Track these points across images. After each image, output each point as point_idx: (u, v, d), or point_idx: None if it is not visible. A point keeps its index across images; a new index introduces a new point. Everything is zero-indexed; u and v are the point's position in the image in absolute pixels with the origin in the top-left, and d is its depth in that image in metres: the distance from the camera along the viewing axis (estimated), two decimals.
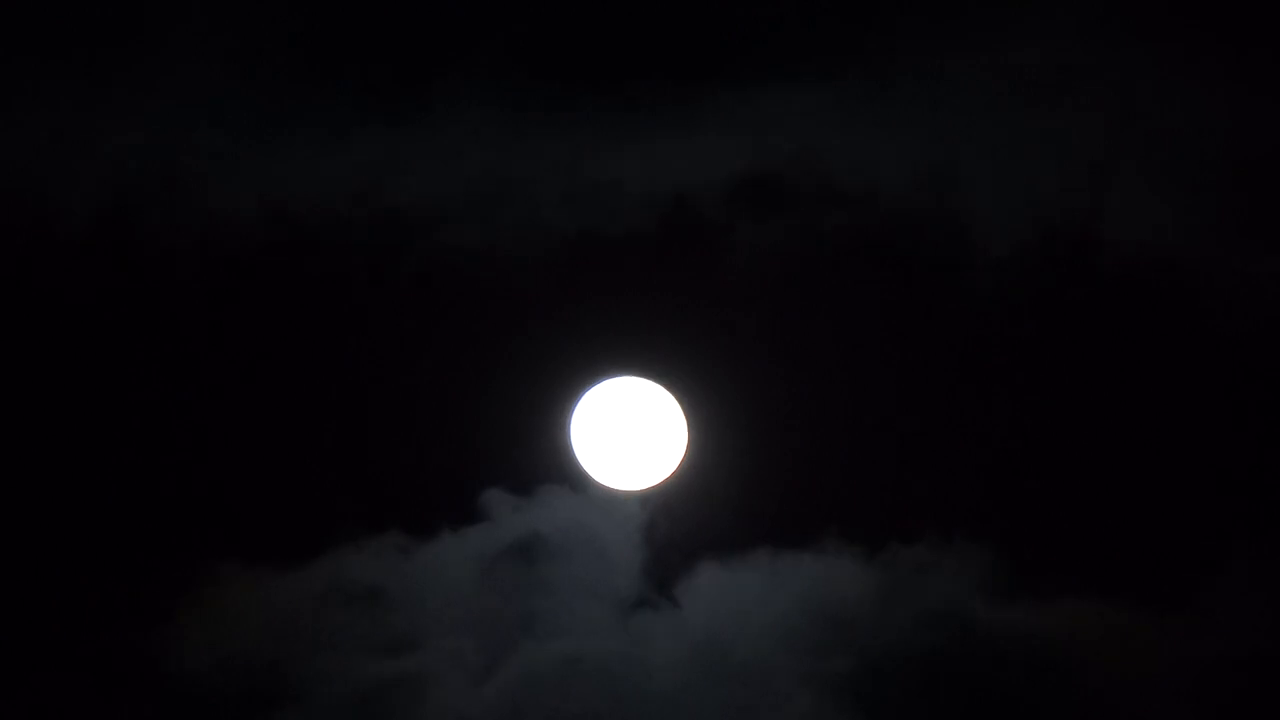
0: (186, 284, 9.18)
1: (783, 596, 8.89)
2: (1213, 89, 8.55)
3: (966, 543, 8.73)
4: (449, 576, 9.02)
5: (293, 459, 8.60)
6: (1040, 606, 8.68)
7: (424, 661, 8.90)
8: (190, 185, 8.89)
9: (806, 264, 8.38)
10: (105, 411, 9.22)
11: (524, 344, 8.97)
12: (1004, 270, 8.32)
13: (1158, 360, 8.44)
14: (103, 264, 9.12)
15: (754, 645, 8.77)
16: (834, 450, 8.81)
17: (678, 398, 9.65)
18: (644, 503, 9.34)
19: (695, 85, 7.87)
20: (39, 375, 9.35)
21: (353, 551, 8.92)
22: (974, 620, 8.79)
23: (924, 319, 8.50)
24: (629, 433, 9.81)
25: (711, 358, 8.87)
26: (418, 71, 8.77)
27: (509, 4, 8.73)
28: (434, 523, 8.89)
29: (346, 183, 8.83)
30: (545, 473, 9.07)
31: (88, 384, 9.31)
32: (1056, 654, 9.01)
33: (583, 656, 8.84)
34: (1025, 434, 8.64)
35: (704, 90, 7.79)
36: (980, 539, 8.61)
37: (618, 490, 9.49)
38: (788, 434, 8.93)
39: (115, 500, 8.68)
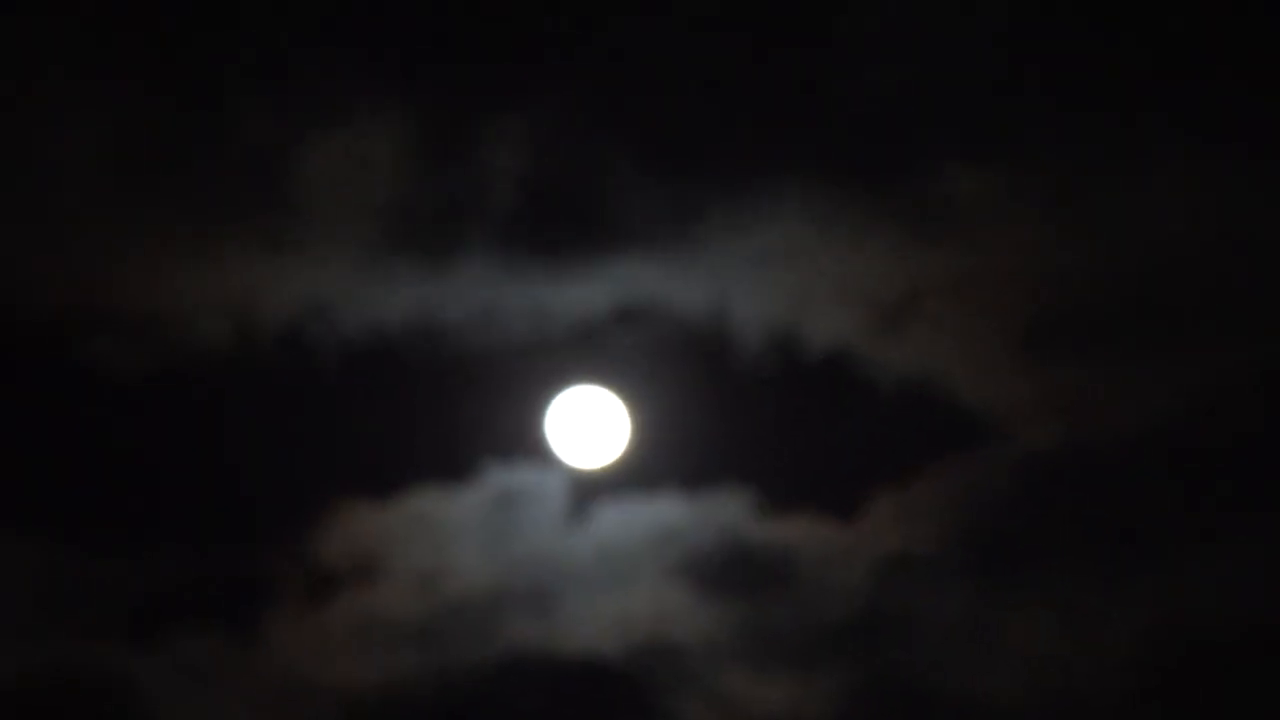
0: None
1: (645, 519, 15.00)
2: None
3: (741, 488, 14.60)
4: (464, 508, 15.10)
5: (392, 447, 14.61)
6: (779, 522, 14.67)
7: (457, 551, 15.02)
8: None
9: (655, 347, 15.07)
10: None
11: (526, 379, 15.60)
12: (755, 356, 15.29)
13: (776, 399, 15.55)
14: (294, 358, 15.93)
15: (627, 545, 14.90)
16: (679, 445, 14.89)
17: (634, 393, 15.56)
18: (576, 471, 15.28)
19: (587, 254, 14.30)
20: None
21: (419, 492, 15.02)
22: (745, 530, 14.78)
23: (714, 383, 15.16)
24: (599, 418, 15.74)
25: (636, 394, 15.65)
26: (448, 240, 15.39)
27: (500, 209, 15.57)
28: (455, 479, 15.00)
29: (398, 306, 15.50)
30: (526, 449, 15.31)
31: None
32: (790, 550, 14.80)
33: (534, 548, 15.04)
34: (771, 435, 15.38)
35: (592, 258, 14.29)
36: (747, 485, 14.76)
37: (578, 465, 15.50)
38: (658, 438, 14.97)
39: (300, 462, 15.10)
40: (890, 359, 15.64)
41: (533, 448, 15.90)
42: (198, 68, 14.92)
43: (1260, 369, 15.17)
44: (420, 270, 15.29)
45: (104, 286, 15.27)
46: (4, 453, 15.12)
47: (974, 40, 15.01)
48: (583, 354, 15.76)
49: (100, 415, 15.37)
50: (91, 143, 15.00)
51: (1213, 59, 14.87)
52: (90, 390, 15.32)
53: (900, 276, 15.52)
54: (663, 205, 15.25)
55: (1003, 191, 15.24)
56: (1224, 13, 14.85)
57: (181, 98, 14.99)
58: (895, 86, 15.16)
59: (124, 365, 15.36)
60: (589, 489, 15.92)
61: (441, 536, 15.74)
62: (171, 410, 15.46)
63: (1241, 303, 15.22)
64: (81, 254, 15.18)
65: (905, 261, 15.39)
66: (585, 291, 15.35)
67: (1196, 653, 15.02)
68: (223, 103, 15.05)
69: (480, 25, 15.02)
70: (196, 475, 15.48)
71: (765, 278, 15.46)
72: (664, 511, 15.91)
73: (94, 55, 14.88)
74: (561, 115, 15.30)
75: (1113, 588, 15.33)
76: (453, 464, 15.57)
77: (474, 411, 15.73)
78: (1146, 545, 15.36)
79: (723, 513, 15.67)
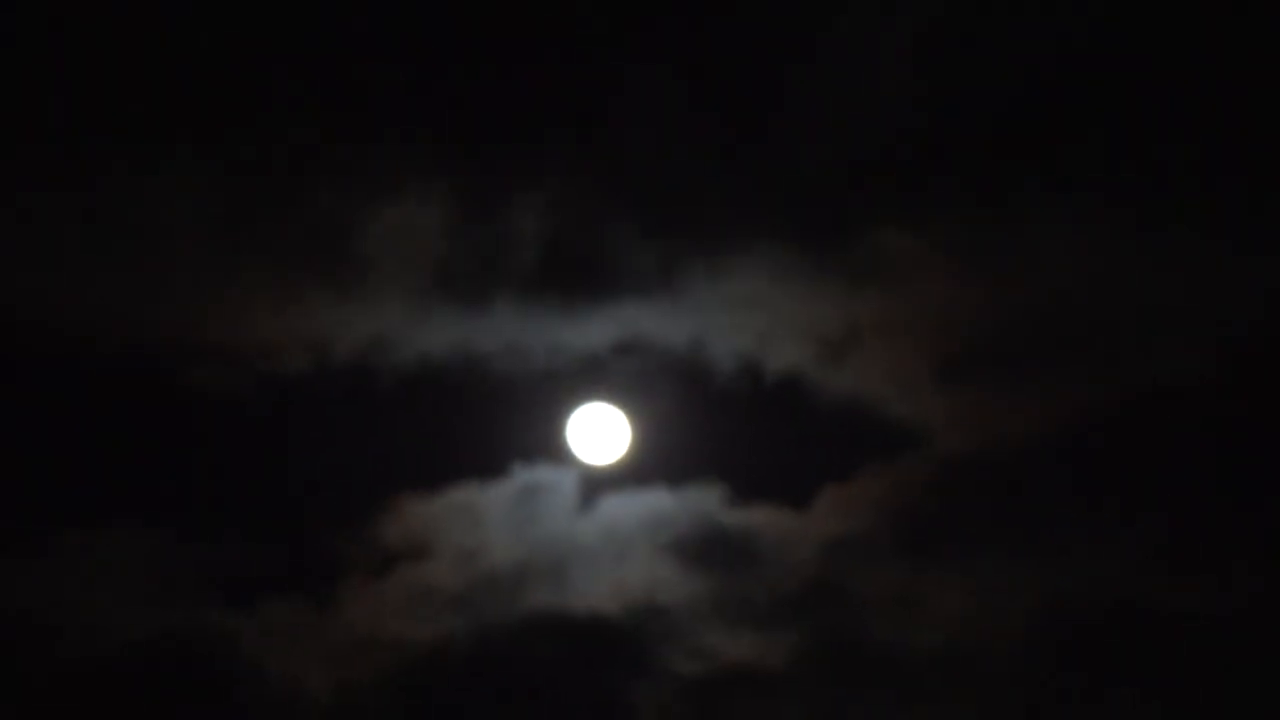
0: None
1: (639, 507, 16.63)
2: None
3: (715, 483, 16.30)
4: (497, 499, 16.77)
5: (439, 451, 16.29)
6: (745, 511, 16.33)
7: (490, 534, 16.59)
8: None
9: (648, 373, 16.03)
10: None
11: (545, 398, 16.78)
12: (727, 380, 16.09)
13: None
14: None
15: (625, 529, 16.45)
16: (667, 449, 16.54)
17: (635, 405, 17.17)
18: (586, 470, 16.96)
19: (593, 300, 15.78)
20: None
21: (461, 487, 16.59)
22: (718, 517, 16.46)
23: (694, 401, 16.37)
24: (607, 426, 17.23)
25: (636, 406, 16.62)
26: (482, 288, 16.08)
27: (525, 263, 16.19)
28: (490, 476, 16.65)
29: (443, 340, 16.28)
30: (547, 453, 16.84)
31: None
32: (754, 533, 16.45)
33: (550, 533, 16.49)
34: (739, 442, 16.33)
35: (597, 303, 15.69)
36: (720, 481, 16.19)
37: (590, 463, 17.06)
38: (650, 443, 16.56)
39: (365, 464, 16.38)
40: (834, 382, 17.32)
41: (551, 452, 17.37)
42: (285, 153, 16.57)
43: (1130, 390, 16.89)
44: (460, 312, 16.83)
45: (208, 325, 16.95)
46: (128, 458, 16.91)
47: (897, 132, 16.65)
48: (591, 378, 17.19)
49: (204, 427, 17.16)
50: (200, 211, 16.63)
51: (1083, 145, 16.61)
52: (196, 407, 17.05)
53: (841, 318, 17.17)
54: (653, 261, 16.80)
55: (923, 250, 16.92)
56: (1089, 105, 16.55)
57: (271, 176, 16.64)
58: (837, 167, 16.75)
59: (223, 387, 17.07)
60: (596, 484, 17.41)
61: (478, 522, 17.27)
62: (261, 423, 17.19)
63: (1114, 338, 16.93)
64: (190, 300, 16.87)
65: (845, 306, 17.03)
66: (592, 329, 16.86)
67: (1080, 618, 16.68)
68: (303, 180, 16.65)
69: (507, 119, 16.67)
70: (282, 475, 17.14)
71: (734, 318, 17.04)
72: (654, 502, 17.43)
73: (200, 140, 16.49)
74: (572, 190, 16.80)
75: (1013, 565, 16.96)
76: (487, 464, 17.14)
77: (504, 423, 17.23)
78: (1040, 532, 16.95)
79: (701, 503, 17.29)
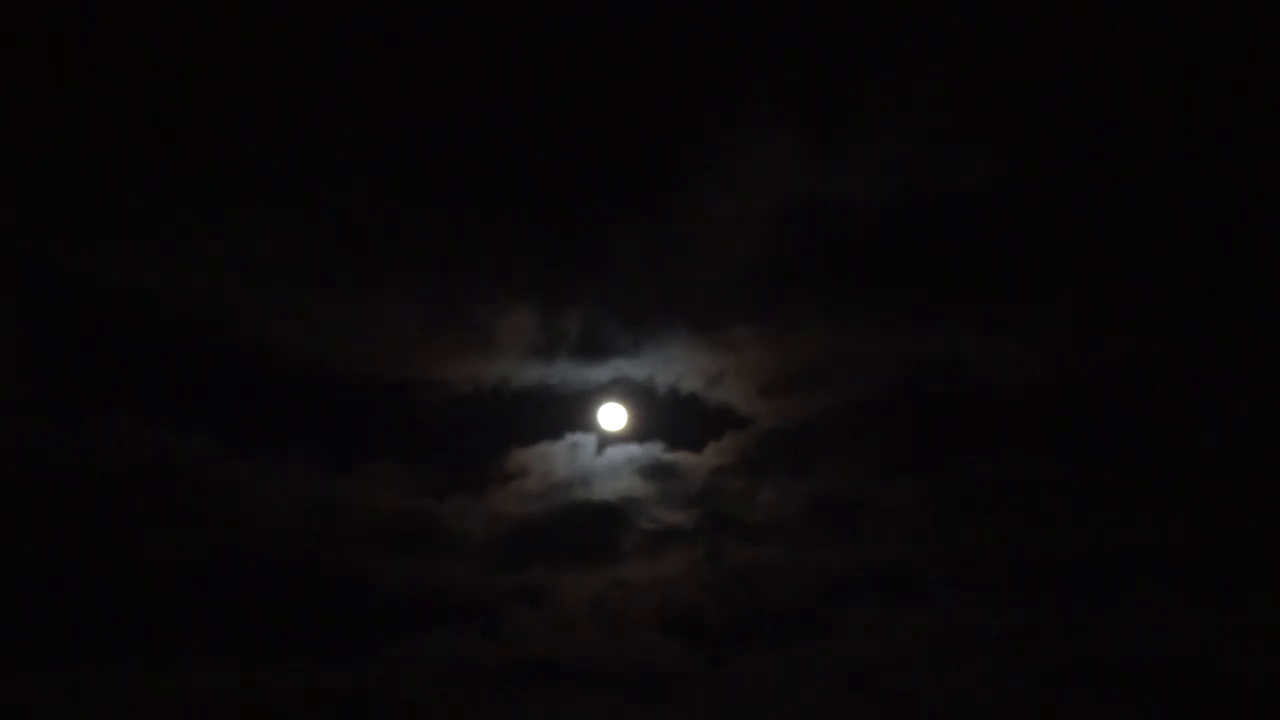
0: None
1: (627, 453, 27.51)
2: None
3: (660, 442, 27.65)
4: (558, 450, 27.63)
5: (531, 428, 27.85)
6: (674, 454, 28.01)
7: (555, 465, 27.45)
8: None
9: (630, 392, 27.50)
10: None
11: (582, 403, 27.28)
12: (664, 396, 30.18)
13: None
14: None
15: (619, 463, 27.37)
16: (641, 425, 27.86)
17: (624, 405, 27.43)
18: (601, 435, 27.41)
19: (602, 359, 26.55)
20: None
21: (542, 445, 27.65)
22: (661, 457, 27.46)
23: (649, 405, 29.68)
24: (611, 415, 26.91)
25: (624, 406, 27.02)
26: (548, 354, 26.61)
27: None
28: (555, 439, 27.55)
29: (530, 378, 26.64)
30: (582, 428, 27.62)
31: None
32: (678, 465, 27.70)
33: (581, 467, 27.22)
34: (669, 423, 31.04)
35: (603, 359, 26.30)
36: (662, 440, 27.85)
37: (604, 431, 27.44)
38: (634, 422, 27.59)
39: (497, 433, 27.86)
40: (712, 397, 29.41)
41: (586, 426, 28.08)
42: (460, 285, 29.30)
43: (847, 399, 29.63)
44: (541, 364, 28.77)
45: (422, 368, 29.62)
46: (384, 434, 29.92)
47: (746, 275, 28.64)
48: (604, 393, 29.04)
49: (420, 419, 30.04)
50: (418, 314, 29.28)
51: (838, 283, 28.97)
52: (417, 409, 29.55)
53: (717, 366, 28.81)
54: (629, 340, 28.78)
55: (756, 334, 29.31)
56: (843, 262, 28.17)
57: (450, 299, 29.30)
58: (718, 293, 29.13)
59: (429, 400, 29.44)
60: (606, 442, 28.32)
61: (549, 460, 29.03)
62: (448, 417, 30.01)
63: (841, 375, 29.91)
64: (413, 356, 29.22)
65: (718, 361, 28.87)
66: (603, 372, 28.26)
67: (828, 503, 29.86)
68: (465, 302, 29.42)
69: (556, 273, 28.88)
70: (459, 439, 30.51)
71: (666, 367, 29.03)
72: (633, 450, 28.78)
73: (413, 273, 28.57)
74: (589, 306, 27.40)
75: (795, 480, 29.49)
76: (554, 433, 28.31)
77: (562, 414, 29.14)
78: (808, 464, 29.70)
79: (653, 451, 29.43)
